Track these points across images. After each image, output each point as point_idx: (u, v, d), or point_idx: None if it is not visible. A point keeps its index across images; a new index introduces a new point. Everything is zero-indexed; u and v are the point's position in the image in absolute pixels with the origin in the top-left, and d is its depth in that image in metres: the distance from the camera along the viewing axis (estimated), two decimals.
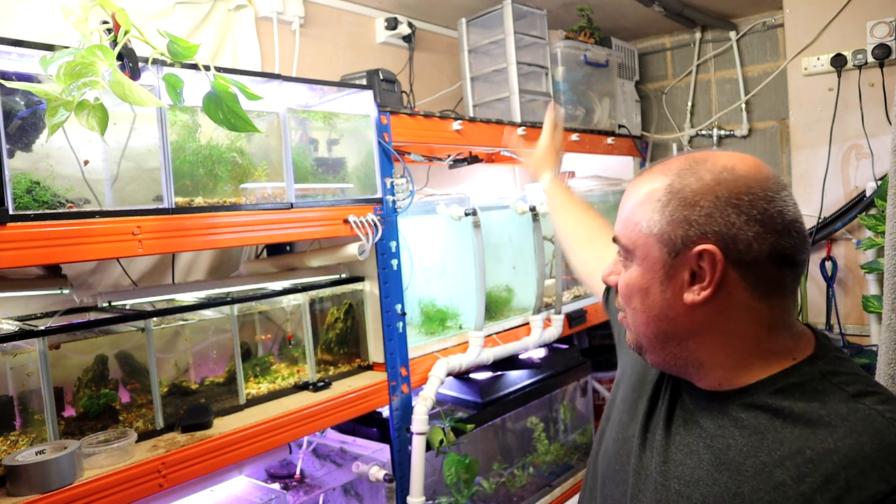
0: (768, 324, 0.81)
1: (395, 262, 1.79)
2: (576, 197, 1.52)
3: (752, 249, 0.77)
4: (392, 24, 2.53)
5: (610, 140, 2.81)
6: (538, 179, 1.64)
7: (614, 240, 0.90)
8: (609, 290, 1.22)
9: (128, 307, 1.54)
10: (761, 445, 0.77)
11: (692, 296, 0.81)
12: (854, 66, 2.46)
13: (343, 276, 1.85)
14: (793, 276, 0.81)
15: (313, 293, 1.73)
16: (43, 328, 1.24)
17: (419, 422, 1.72)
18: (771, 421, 0.78)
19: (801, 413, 0.76)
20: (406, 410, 1.77)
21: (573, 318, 2.37)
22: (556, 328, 2.26)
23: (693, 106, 3.11)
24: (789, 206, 0.80)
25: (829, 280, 2.57)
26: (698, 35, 3.04)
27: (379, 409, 1.77)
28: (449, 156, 2.41)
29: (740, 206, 0.78)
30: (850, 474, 0.69)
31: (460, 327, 2.06)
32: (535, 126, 2.38)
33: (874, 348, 2.41)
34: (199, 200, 1.38)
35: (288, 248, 2.00)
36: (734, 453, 0.78)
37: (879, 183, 2.39)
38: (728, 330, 0.82)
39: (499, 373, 2.17)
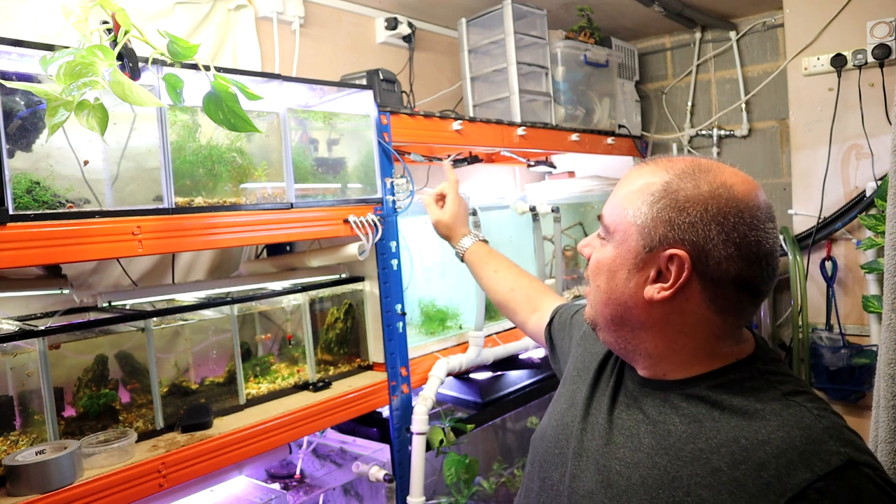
0: (718, 333, 0.86)
1: (395, 262, 1.79)
2: (500, 256, 1.54)
3: (720, 268, 0.81)
4: (392, 24, 2.53)
5: (610, 140, 2.81)
6: (455, 244, 1.59)
7: (599, 217, 0.94)
8: (552, 322, 1.31)
9: (128, 307, 1.54)
10: (699, 433, 0.81)
11: (652, 292, 0.85)
12: (854, 66, 2.46)
13: (343, 276, 1.85)
14: (751, 301, 0.85)
15: (313, 293, 1.73)
16: (43, 328, 1.24)
17: (419, 422, 1.72)
18: (709, 411, 0.82)
19: (738, 406, 0.81)
20: (406, 410, 1.77)
21: None
22: None
23: (693, 106, 3.11)
24: (769, 239, 0.83)
25: (829, 280, 2.56)
26: (698, 35, 3.04)
27: (379, 409, 1.77)
28: (449, 156, 2.41)
29: (724, 225, 0.80)
30: (780, 463, 0.73)
31: (460, 327, 2.06)
32: (535, 126, 2.38)
33: (874, 348, 2.41)
34: (199, 200, 1.38)
35: (288, 248, 2.00)
36: (674, 439, 0.82)
37: (879, 183, 2.39)
38: (680, 331, 0.86)
39: (499, 373, 2.17)
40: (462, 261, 1.58)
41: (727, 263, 0.80)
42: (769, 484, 0.73)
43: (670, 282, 0.83)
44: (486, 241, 1.58)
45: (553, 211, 2.23)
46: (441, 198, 1.63)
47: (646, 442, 0.85)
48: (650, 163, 0.89)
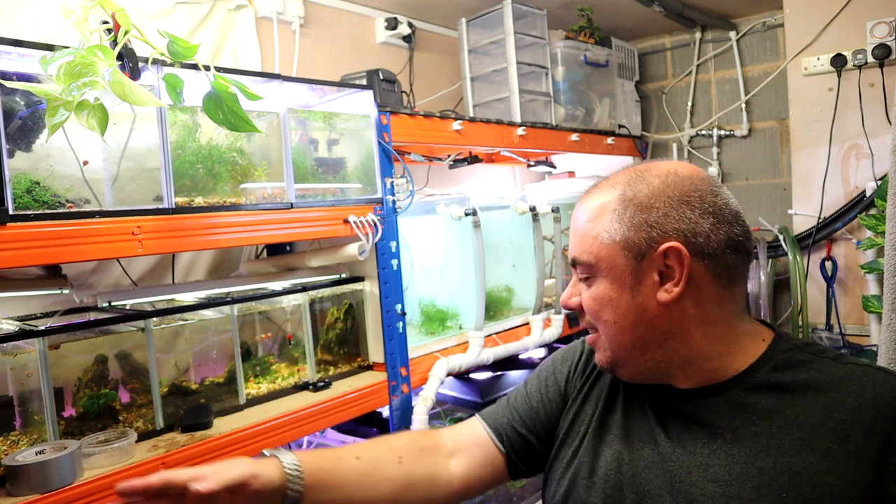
0: (734, 309, 0.86)
1: (395, 262, 1.79)
2: (341, 447, 1.00)
3: (710, 240, 0.82)
4: (392, 24, 2.53)
5: (610, 140, 2.81)
6: (286, 475, 0.86)
7: (572, 262, 0.92)
8: (497, 426, 1.05)
9: (128, 307, 1.54)
10: (788, 423, 0.79)
11: (665, 294, 0.83)
12: (854, 66, 2.46)
13: (343, 276, 1.85)
14: (744, 263, 0.86)
15: (313, 293, 1.73)
16: (43, 328, 1.24)
17: (419, 422, 1.72)
18: (780, 397, 0.81)
19: (805, 383, 0.81)
20: (406, 410, 1.77)
21: (573, 319, 2.37)
22: (556, 328, 2.26)
23: (693, 106, 3.11)
24: (731, 200, 0.85)
25: (829, 280, 2.56)
26: (698, 35, 3.04)
27: (379, 409, 1.77)
28: (449, 156, 2.41)
29: (692, 202, 0.83)
30: (885, 422, 0.75)
31: (460, 327, 2.06)
32: (535, 126, 2.38)
33: (874, 348, 2.41)
34: (199, 200, 1.38)
35: (288, 248, 2.00)
36: (766, 437, 0.79)
37: (879, 183, 2.39)
38: (705, 321, 0.85)
39: (499, 373, 2.17)
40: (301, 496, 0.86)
41: (714, 233, 0.82)
42: (883, 445, 0.74)
43: (676, 275, 0.82)
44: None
45: (553, 211, 2.23)
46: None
47: (735, 452, 0.80)
48: (591, 190, 0.91)
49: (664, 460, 0.85)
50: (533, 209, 2.19)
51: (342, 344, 1.80)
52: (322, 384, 1.65)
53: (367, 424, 1.83)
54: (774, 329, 0.90)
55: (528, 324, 2.22)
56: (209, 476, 0.77)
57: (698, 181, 0.84)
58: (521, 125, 2.29)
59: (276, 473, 0.84)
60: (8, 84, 1.05)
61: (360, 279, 1.81)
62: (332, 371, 1.76)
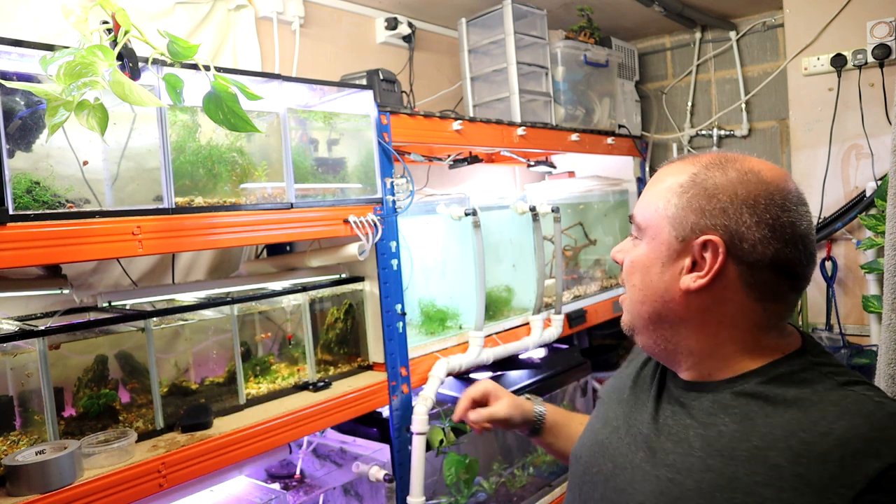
0: (760, 323, 0.84)
1: (395, 262, 1.79)
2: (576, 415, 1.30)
3: (755, 251, 0.80)
4: (392, 24, 2.53)
5: (610, 140, 2.81)
6: (532, 416, 1.25)
7: (630, 218, 0.94)
8: None
9: (128, 307, 1.54)
10: (753, 430, 0.78)
11: (688, 282, 0.84)
12: (854, 66, 2.46)
13: (343, 276, 1.85)
14: (791, 286, 0.84)
15: (313, 293, 1.73)
16: (43, 328, 1.24)
17: (419, 422, 1.72)
18: (762, 407, 0.80)
19: (793, 398, 0.79)
20: (406, 410, 1.77)
21: (573, 318, 2.37)
22: (556, 328, 2.26)
23: (693, 106, 3.11)
24: (803, 222, 0.82)
25: (829, 280, 2.56)
26: (698, 35, 3.04)
27: (379, 409, 1.76)
28: (449, 156, 2.41)
29: (756, 207, 0.80)
30: (845, 453, 0.71)
31: (460, 327, 2.06)
32: (535, 126, 2.38)
33: (874, 348, 2.41)
34: (199, 200, 1.38)
35: (288, 248, 2.00)
36: (726, 439, 0.80)
37: (879, 183, 2.39)
38: (721, 323, 0.84)
39: (499, 373, 2.17)
40: (539, 432, 1.25)
41: (762, 246, 0.80)
42: (835, 476, 0.70)
43: (706, 269, 0.82)
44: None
45: (553, 211, 2.23)
46: (475, 403, 1.27)
47: (696, 445, 0.82)
48: (676, 161, 0.90)
49: (642, 439, 0.89)
50: (533, 209, 2.19)
51: (342, 344, 1.80)
52: (322, 384, 1.65)
53: (367, 424, 1.83)
54: (804, 340, 0.87)
55: (528, 324, 2.22)
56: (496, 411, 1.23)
57: (774, 190, 0.81)
58: (521, 125, 2.29)
59: (530, 414, 1.24)
60: (8, 84, 1.05)
61: (360, 279, 1.81)
62: (332, 371, 1.76)
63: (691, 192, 0.84)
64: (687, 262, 0.84)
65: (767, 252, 0.80)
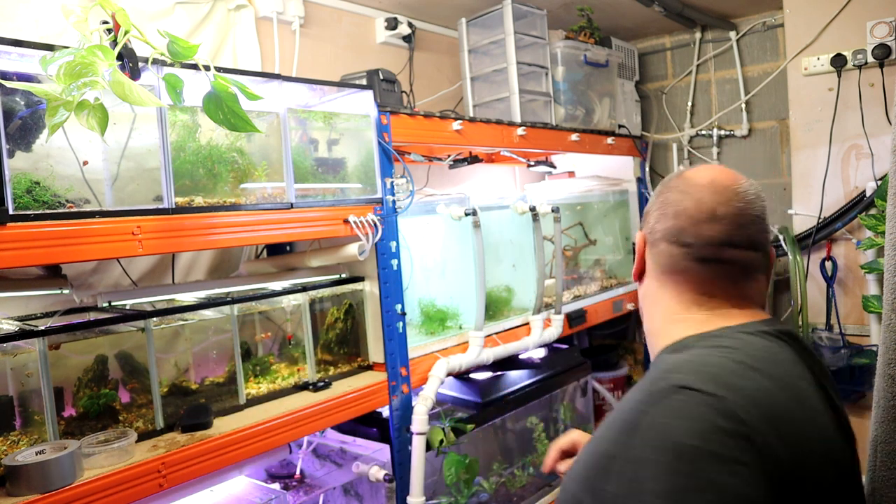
0: (678, 297, 0.94)
1: (395, 262, 1.79)
2: None
3: (655, 232, 0.96)
4: (392, 24, 2.53)
5: (610, 140, 2.81)
6: None
7: None
8: None
9: (128, 307, 1.54)
10: (616, 407, 0.86)
11: (634, 273, 1.03)
12: (854, 66, 2.46)
13: (343, 276, 1.85)
14: (684, 255, 0.93)
15: (313, 293, 1.73)
16: (43, 328, 1.24)
17: (419, 422, 1.72)
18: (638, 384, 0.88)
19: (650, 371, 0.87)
20: (406, 410, 1.77)
21: (573, 318, 2.37)
22: (556, 328, 2.26)
23: (693, 106, 3.11)
24: (692, 197, 0.92)
25: (829, 280, 2.56)
26: (698, 35, 3.04)
27: (379, 409, 1.76)
28: (449, 156, 2.40)
29: (659, 195, 0.97)
30: (637, 399, 0.79)
31: (460, 327, 2.06)
32: (535, 126, 2.38)
33: (874, 348, 2.41)
34: (199, 200, 1.38)
35: (288, 248, 2.00)
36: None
37: (879, 183, 2.39)
38: (654, 301, 0.98)
39: (499, 373, 2.16)
40: None
41: (656, 224, 0.95)
42: (635, 403, 0.78)
43: (638, 258, 1.00)
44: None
45: (553, 211, 2.23)
46: (564, 454, 1.28)
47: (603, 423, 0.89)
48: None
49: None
50: (533, 209, 2.19)
51: (342, 344, 1.80)
52: (322, 384, 1.65)
53: (367, 424, 1.83)
54: (710, 328, 0.91)
55: (528, 324, 2.22)
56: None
57: (680, 181, 0.95)
58: (521, 125, 2.29)
59: None
60: (8, 84, 1.05)
61: (360, 279, 1.81)
62: (332, 371, 1.76)
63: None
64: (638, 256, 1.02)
65: (658, 228, 0.95)
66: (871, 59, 2.40)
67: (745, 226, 0.91)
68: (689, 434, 0.70)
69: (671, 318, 0.94)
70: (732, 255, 0.91)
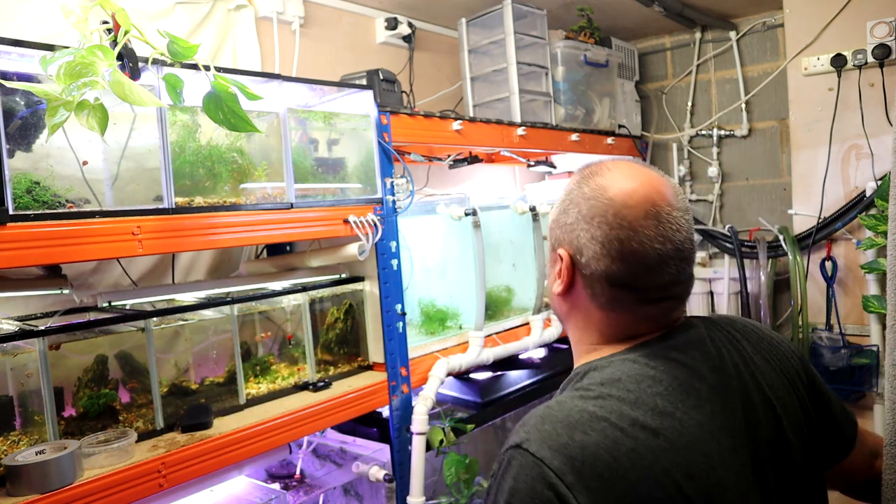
0: (605, 330, 0.90)
1: (395, 262, 1.79)
2: None
3: (590, 265, 0.87)
4: (392, 24, 2.53)
5: (610, 140, 2.81)
6: None
7: None
8: None
9: (128, 307, 1.54)
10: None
11: (556, 287, 0.93)
12: (854, 66, 2.45)
13: (343, 276, 1.85)
14: (637, 298, 0.87)
15: (313, 293, 1.73)
16: (43, 328, 1.24)
17: (419, 422, 1.72)
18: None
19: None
20: (406, 410, 1.77)
21: None
22: (556, 328, 2.26)
23: (693, 106, 3.11)
24: (637, 237, 0.84)
25: (829, 280, 2.56)
26: (698, 35, 3.04)
27: (379, 409, 1.76)
28: (449, 156, 2.40)
29: (590, 224, 0.86)
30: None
31: (460, 327, 2.06)
32: (535, 126, 2.38)
33: (874, 348, 2.41)
34: (199, 200, 1.38)
35: (288, 248, 2.00)
36: None
37: (879, 183, 2.39)
38: (577, 324, 0.94)
39: (499, 373, 2.16)
40: None
41: (595, 262, 0.86)
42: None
43: (562, 279, 0.91)
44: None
45: None
46: None
47: None
48: (583, 165, 0.96)
49: None
50: (533, 209, 2.19)
51: (342, 344, 1.80)
52: (322, 384, 1.65)
53: (367, 424, 1.83)
54: (628, 350, 0.88)
55: (528, 324, 2.22)
56: None
57: (610, 208, 0.84)
58: (521, 125, 2.29)
59: None
60: (8, 84, 1.05)
61: (360, 279, 1.81)
62: (332, 371, 1.76)
63: (559, 206, 0.93)
64: (557, 269, 0.92)
65: (600, 267, 0.85)
66: (871, 59, 2.40)
67: (688, 258, 0.87)
68: (515, 496, 0.74)
69: (597, 344, 0.91)
70: (677, 291, 0.88)
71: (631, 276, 0.85)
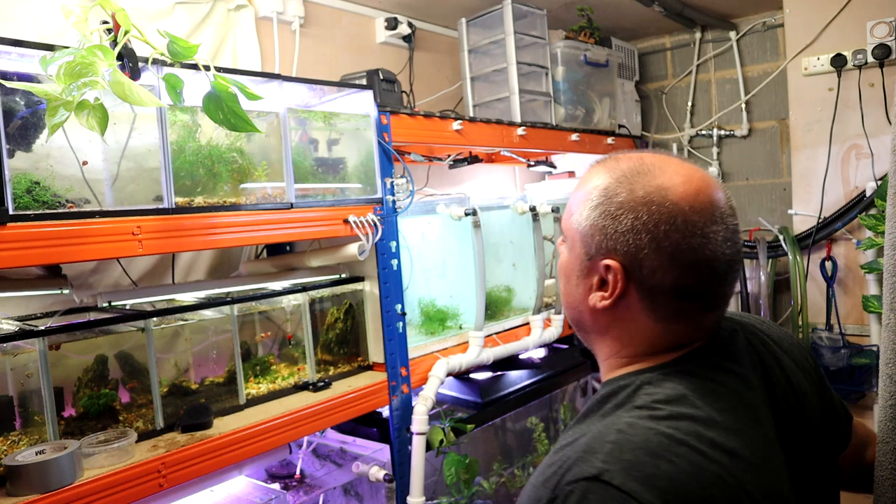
0: (659, 342, 0.82)
1: (395, 262, 1.79)
2: None
3: (655, 277, 0.78)
4: (392, 24, 2.53)
5: (610, 140, 2.81)
6: None
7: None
8: None
9: (128, 307, 1.54)
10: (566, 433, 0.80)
11: (595, 300, 0.83)
12: (854, 66, 2.46)
13: (343, 276, 1.85)
14: (700, 308, 0.81)
15: (313, 293, 1.73)
16: (43, 328, 1.24)
17: (419, 422, 1.72)
18: (587, 415, 0.80)
19: (592, 412, 0.79)
20: (406, 410, 1.77)
21: None
22: (556, 328, 2.26)
23: (693, 106, 3.11)
24: (710, 244, 0.77)
25: (829, 280, 2.56)
26: (698, 35, 3.04)
27: (379, 409, 1.76)
28: (449, 156, 2.41)
29: (655, 233, 0.77)
30: (563, 464, 0.71)
31: (460, 327, 2.06)
32: (535, 126, 2.38)
33: (874, 348, 2.41)
34: (199, 200, 1.38)
35: (288, 248, 2.00)
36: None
37: (879, 183, 2.39)
38: (621, 338, 0.84)
39: (499, 373, 2.16)
40: None
41: (662, 273, 0.77)
42: (548, 479, 0.71)
43: (609, 291, 0.81)
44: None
45: (553, 211, 2.23)
46: None
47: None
48: (601, 163, 0.87)
49: None
50: (533, 209, 2.19)
51: (342, 344, 1.80)
52: (322, 384, 1.65)
53: (367, 424, 1.83)
54: (681, 356, 0.83)
55: (528, 324, 2.22)
56: None
57: (679, 212, 0.77)
58: (521, 125, 2.29)
59: None
60: (8, 84, 1.05)
61: (360, 279, 1.81)
62: (332, 371, 1.76)
63: (599, 210, 0.81)
64: (595, 279, 0.83)
65: (667, 280, 0.77)
66: (871, 59, 2.40)
67: (740, 260, 0.82)
68: None
69: (640, 357, 0.84)
70: (731, 294, 0.84)
71: (702, 286, 0.78)
